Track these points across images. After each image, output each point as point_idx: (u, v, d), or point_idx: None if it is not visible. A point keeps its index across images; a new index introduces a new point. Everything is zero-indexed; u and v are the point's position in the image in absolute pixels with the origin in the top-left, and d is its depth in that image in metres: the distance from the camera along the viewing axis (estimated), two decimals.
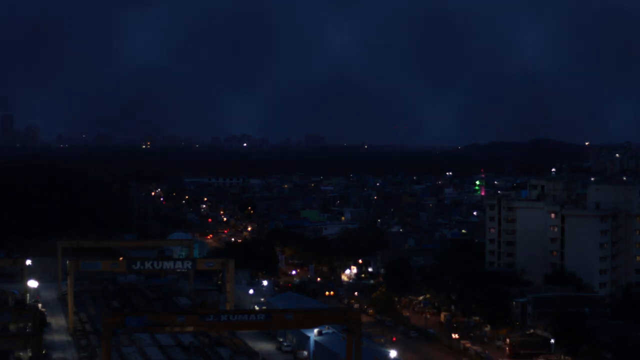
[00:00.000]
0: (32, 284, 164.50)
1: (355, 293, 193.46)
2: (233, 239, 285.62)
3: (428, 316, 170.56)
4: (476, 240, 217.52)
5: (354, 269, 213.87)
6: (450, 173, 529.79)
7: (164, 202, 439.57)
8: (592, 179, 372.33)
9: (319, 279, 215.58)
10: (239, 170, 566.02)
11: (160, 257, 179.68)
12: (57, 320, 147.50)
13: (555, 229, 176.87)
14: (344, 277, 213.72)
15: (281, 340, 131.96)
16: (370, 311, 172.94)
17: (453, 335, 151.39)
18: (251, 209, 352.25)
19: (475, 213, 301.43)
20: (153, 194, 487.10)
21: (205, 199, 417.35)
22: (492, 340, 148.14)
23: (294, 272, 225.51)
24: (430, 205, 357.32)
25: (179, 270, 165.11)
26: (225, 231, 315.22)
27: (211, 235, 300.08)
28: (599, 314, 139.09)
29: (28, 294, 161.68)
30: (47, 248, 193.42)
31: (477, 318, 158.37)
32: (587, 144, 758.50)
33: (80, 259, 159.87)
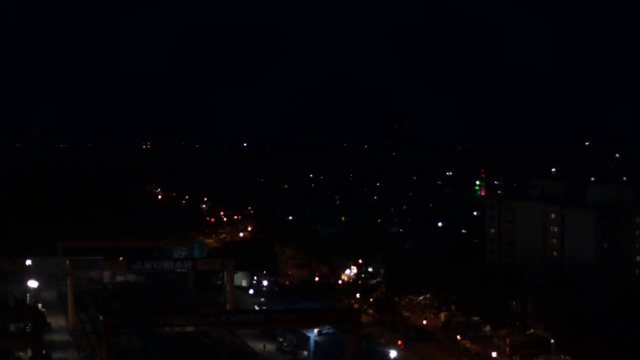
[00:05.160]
0: (32, 284, 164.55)
1: (357, 295, 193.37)
2: (238, 235, 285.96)
3: (428, 316, 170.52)
4: (476, 240, 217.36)
5: (354, 269, 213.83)
6: (450, 173, 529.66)
7: (164, 202, 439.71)
8: (592, 179, 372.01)
9: (316, 278, 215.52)
10: (239, 171, 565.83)
11: (160, 257, 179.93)
12: (57, 320, 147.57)
13: (555, 229, 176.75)
14: (344, 277, 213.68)
15: (281, 340, 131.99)
16: (371, 311, 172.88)
17: (455, 336, 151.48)
18: (251, 209, 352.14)
19: (475, 213, 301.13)
20: (153, 194, 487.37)
21: (205, 199, 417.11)
22: (492, 340, 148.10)
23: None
24: (430, 205, 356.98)
25: (179, 270, 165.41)
26: (227, 229, 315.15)
27: (213, 238, 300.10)
28: (599, 314, 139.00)
29: (28, 294, 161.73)
30: (47, 248, 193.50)
31: (477, 318, 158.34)
32: (587, 144, 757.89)
33: (81, 259, 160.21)
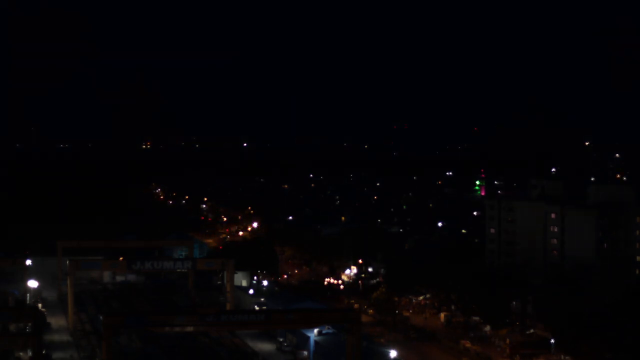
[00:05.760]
0: (32, 284, 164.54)
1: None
2: (238, 235, 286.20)
3: (427, 316, 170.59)
4: (476, 240, 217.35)
5: (354, 269, 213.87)
6: (450, 173, 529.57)
7: (164, 202, 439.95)
8: (592, 179, 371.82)
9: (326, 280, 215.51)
10: (239, 171, 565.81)
11: (160, 257, 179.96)
12: (57, 320, 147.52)
13: (555, 229, 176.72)
14: (344, 277, 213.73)
15: (281, 340, 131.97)
16: (371, 311, 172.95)
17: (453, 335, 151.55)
18: (251, 209, 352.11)
19: (475, 213, 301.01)
20: (153, 194, 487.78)
21: (205, 199, 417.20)
22: (492, 340, 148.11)
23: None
24: (430, 205, 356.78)
25: (179, 270, 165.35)
26: (226, 231, 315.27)
27: (211, 239, 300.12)
28: (599, 314, 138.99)
29: (28, 294, 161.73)
30: (47, 248, 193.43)
31: (477, 318, 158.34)
32: (587, 143, 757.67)
33: (81, 259, 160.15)
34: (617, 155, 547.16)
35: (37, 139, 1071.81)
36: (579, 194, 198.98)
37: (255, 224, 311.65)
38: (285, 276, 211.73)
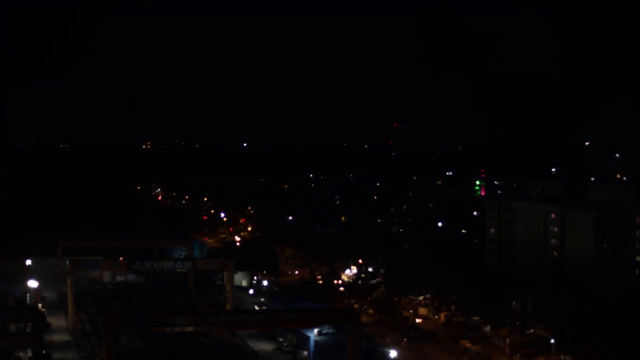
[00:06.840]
0: (32, 284, 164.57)
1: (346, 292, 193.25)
2: (238, 235, 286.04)
3: (427, 315, 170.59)
4: (476, 240, 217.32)
5: (354, 269, 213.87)
6: (450, 173, 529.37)
7: (164, 202, 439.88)
8: (592, 179, 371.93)
9: (319, 279, 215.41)
10: (239, 171, 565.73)
11: (160, 257, 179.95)
12: (57, 320, 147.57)
13: (555, 229, 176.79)
14: (344, 277, 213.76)
15: (281, 340, 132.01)
16: (371, 311, 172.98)
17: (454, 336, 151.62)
18: (251, 209, 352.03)
19: (475, 213, 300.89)
20: (153, 194, 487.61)
21: (205, 199, 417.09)
22: (492, 340, 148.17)
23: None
24: (430, 205, 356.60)
25: (179, 270, 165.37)
26: (227, 230, 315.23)
27: (212, 239, 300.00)
28: (599, 314, 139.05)
29: (28, 294, 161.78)
30: (47, 248, 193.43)
31: (477, 318, 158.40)
32: (587, 144, 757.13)
33: (81, 259, 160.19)
34: (617, 155, 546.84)
35: (37, 139, 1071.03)
36: (579, 194, 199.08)
37: (255, 224, 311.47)
38: (288, 285, 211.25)
